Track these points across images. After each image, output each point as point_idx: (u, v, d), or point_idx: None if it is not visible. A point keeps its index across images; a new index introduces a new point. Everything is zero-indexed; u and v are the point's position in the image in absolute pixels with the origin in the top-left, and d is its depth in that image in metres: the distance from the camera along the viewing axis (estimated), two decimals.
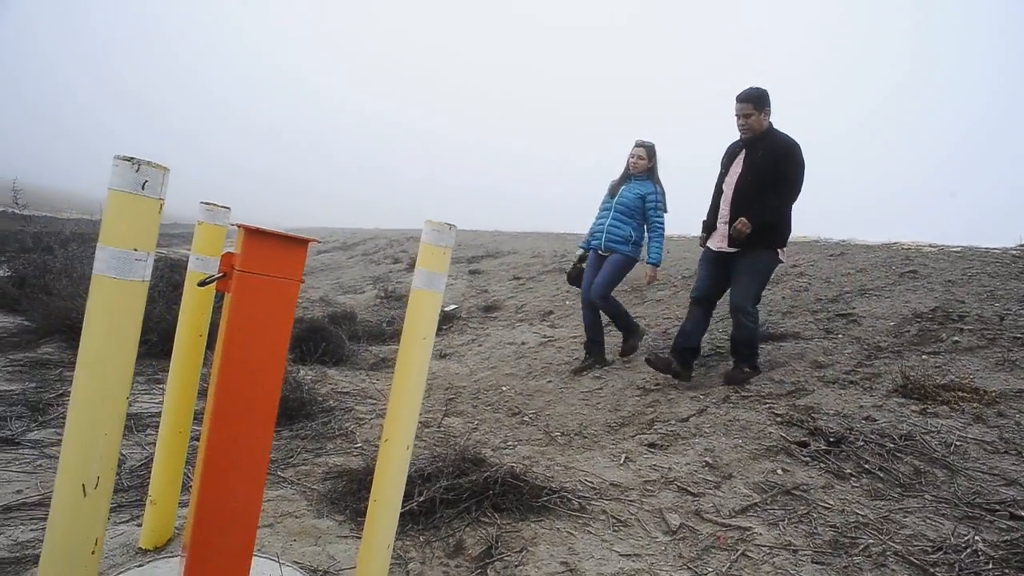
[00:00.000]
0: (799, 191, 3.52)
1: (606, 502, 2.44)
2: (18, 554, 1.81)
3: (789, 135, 3.55)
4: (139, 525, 2.01)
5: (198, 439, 2.53)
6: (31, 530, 1.97)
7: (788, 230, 3.63)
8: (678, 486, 2.57)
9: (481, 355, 4.86)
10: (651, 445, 3.04)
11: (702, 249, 3.93)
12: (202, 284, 1.57)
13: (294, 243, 1.44)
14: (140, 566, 1.79)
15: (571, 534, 2.19)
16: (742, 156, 3.63)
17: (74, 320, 4.67)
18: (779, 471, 2.61)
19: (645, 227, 4.31)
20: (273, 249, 1.41)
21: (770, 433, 2.95)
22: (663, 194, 4.25)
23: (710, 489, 2.52)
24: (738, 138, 3.70)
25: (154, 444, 2.66)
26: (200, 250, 1.86)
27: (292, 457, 2.78)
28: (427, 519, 2.22)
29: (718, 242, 3.71)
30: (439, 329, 5.73)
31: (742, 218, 3.46)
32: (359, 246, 17.09)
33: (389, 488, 1.62)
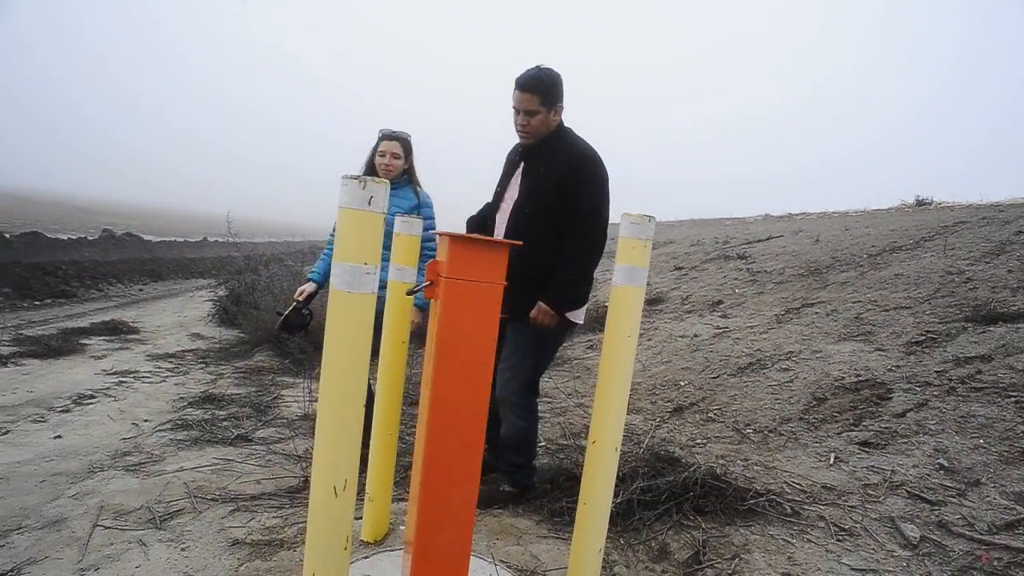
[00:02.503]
0: (602, 230, 2.30)
1: (822, 507, 2.20)
2: (268, 538, 2.05)
3: (585, 142, 2.34)
4: (358, 518, 2.17)
5: (402, 439, 2.71)
6: (273, 517, 2.22)
7: (585, 284, 2.35)
8: (908, 492, 2.24)
9: (652, 349, 4.68)
10: (864, 443, 2.70)
11: None
12: (410, 293, 1.65)
13: (496, 247, 1.44)
14: (366, 557, 1.94)
15: (788, 542, 1.99)
16: (519, 172, 2.41)
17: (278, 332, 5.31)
18: None
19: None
20: (477, 254, 1.42)
21: (1023, 432, 2.48)
22: (431, 206, 2.85)
23: (952, 497, 2.17)
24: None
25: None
26: (399, 260, 1.96)
27: None
28: (625, 521, 2.15)
29: None
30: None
31: (541, 305, 2.26)
32: None
33: (598, 491, 1.58)
